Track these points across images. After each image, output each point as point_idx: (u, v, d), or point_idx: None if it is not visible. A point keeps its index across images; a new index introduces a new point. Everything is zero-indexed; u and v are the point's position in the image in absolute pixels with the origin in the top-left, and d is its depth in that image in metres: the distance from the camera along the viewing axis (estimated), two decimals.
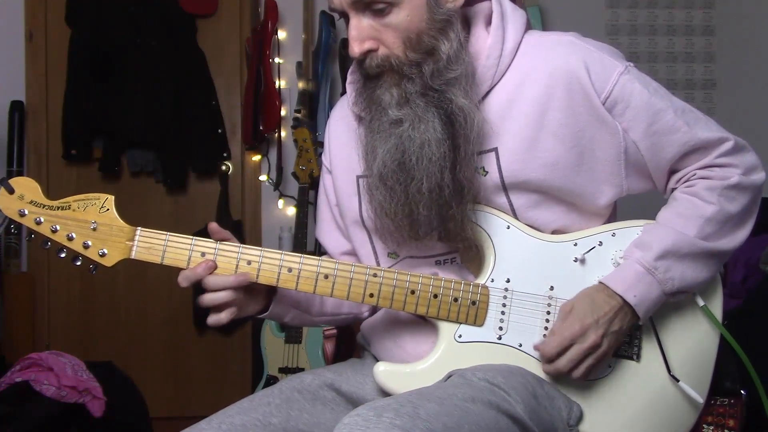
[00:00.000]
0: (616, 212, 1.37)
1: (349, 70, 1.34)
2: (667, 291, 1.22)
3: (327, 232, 1.48)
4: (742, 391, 1.40)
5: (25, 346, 3.17)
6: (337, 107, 1.46)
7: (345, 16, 1.22)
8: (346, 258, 1.44)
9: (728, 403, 1.40)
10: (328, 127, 1.46)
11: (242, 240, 3.52)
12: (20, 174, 3.37)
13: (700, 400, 1.28)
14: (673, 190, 1.33)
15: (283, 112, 3.43)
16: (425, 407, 1.03)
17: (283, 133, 3.45)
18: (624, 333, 1.23)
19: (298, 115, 3.30)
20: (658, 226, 1.27)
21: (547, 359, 1.22)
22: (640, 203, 1.49)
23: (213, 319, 1.24)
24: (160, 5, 3.39)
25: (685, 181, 1.31)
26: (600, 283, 1.24)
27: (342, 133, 1.40)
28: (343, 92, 1.40)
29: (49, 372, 2.18)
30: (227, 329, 3.52)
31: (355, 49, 1.20)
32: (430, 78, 1.19)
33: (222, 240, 1.26)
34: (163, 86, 3.33)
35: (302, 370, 2.73)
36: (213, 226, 1.26)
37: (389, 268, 1.34)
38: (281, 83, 3.45)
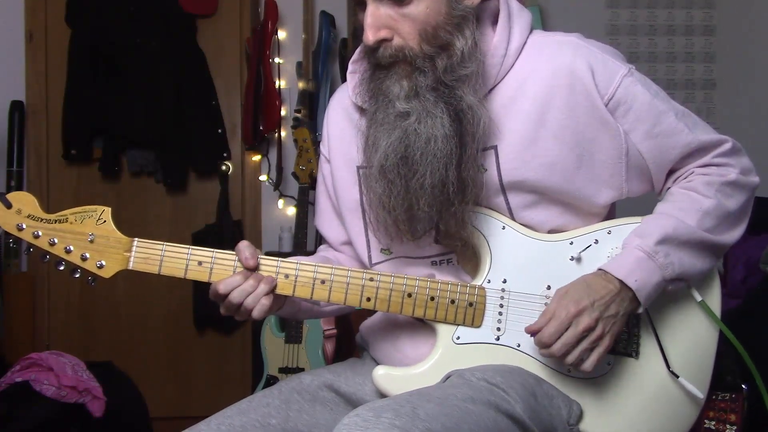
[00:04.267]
0: (614, 213, 1.37)
1: (351, 60, 1.34)
2: (666, 277, 1.22)
3: (327, 221, 1.47)
4: (743, 386, 1.40)
5: (25, 346, 3.17)
6: (336, 96, 1.45)
7: (362, 4, 1.21)
8: (347, 248, 1.44)
9: (729, 398, 1.40)
10: (327, 117, 1.44)
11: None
12: (20, 174, 3.38)
13: (701, 395, 1.28)
14: (669, 188, 1.34)
15: (283, 112, 3.43)
16: (424, 407, 1.03)
17: (283, 133, 3.45)
18: (621, 319, 1.21)
19: (298, 115, 3.30)
20: (657, 215, 1.28)
21: (544, 345, 1.18)
22: (639, 203, 1.49)
23: (257, 311, 1.22)
24: (160, 5, 3.39)
25: (683, 179, 1.32)
26: (599, 269, 1.23)
27: (341, 123, 1.40)
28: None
29: (49, 372, 2.18)
30: (227, 329, 3.52)
31: (370, 36, 1.18)
32: (442, 73, 1.18)
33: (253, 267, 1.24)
34: (163, 86, 3.33)
35: (302, 370, 2.74)
36: (242, 248, 1.24)
37: (381, 264, 1.35)
38: (281, 83, 3.45)
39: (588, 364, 1.18)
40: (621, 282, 1.20)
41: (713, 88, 3.74)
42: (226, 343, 3.54)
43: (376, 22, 1.18)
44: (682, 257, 1.23)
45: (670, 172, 1.33)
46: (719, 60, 3.73)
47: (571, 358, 1.18)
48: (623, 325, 1.23)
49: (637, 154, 1.27)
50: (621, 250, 1.25)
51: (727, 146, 1.30)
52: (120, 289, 3.50)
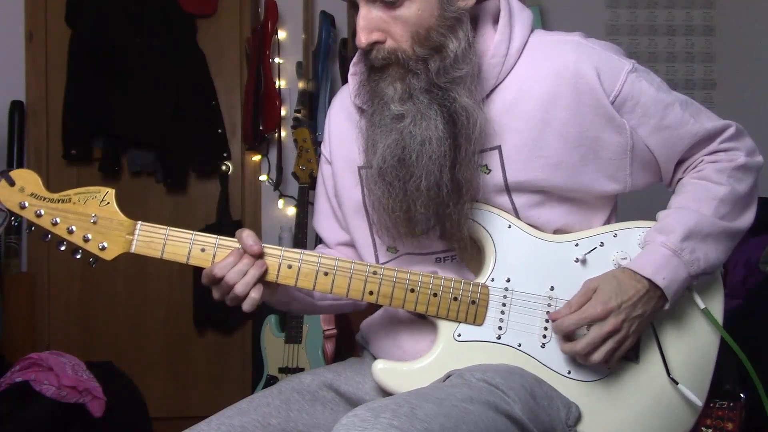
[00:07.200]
0: (617, 207, 1.37)
1: (352, 62, 1.34)
2: (692, 273, 1.23)
3: (324, 222, 1.47)
4: (742, 394, 1.40)
5: (25, 346, 3.16)
6: (337, 98, 1.46)
7: (354, 6, 1.21)
8: (343, 249, 1.45)
9: (727, 406, 1.39)
10: (329, 118, 1.45)
11: None
12: None
13: (699, 403, 1.28)
14: (680, 179, 1.35)
15: (283, 112, 3.43)
16: (423, 408, 1.03)
17: (283, 133, 3.45)
18: (647, 318, 1.23)
19: (298, 115, 3.30)
20: (676, 210, 1.28)
21: (562, 333, 1.21)
22: (640, 202, 1.50)
23: (247, 304, 1.21)
24: (160, 5, 3.39)
25: (693, 169, 1.33)
26: (626, 268, 1.24)
27: (343, 124, 1.40)
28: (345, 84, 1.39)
29: (49, 372, 2.18)
30: (227, 329, 3.52)
31: (362, 39, 1.19)
32: (435, 75, 1.18)
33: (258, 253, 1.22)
34: (163, 86, 3.33)
35: (302, 370, 2.73)
36: (245, 236, 1.22)
37: (388, 263, 1.34)
38: (281, 83, 3.45)
39: (610, 363, 1.22)
40: (649, 281, 1.21)
41: (713, 88, 3.74)
42: (226, 343, 3.54)
43: (368, 24, 1.19)
44: (706, 251, 1.24)
45: (679, 163, 1.33)
46: (719, 60, 3.73)
47: (597, 356, 1.20)
48: (648, 323, 1.24)
49: (643, 149, 1.28)
50: (644, 247, 1.26)
51: (732, 130, 1.32)
52: (120, 289, 3.50)
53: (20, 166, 3.38)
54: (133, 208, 3.90)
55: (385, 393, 1.25)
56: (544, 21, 3.53)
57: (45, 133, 3.45)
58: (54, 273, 3.45)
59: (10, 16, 3.42)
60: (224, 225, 3.44)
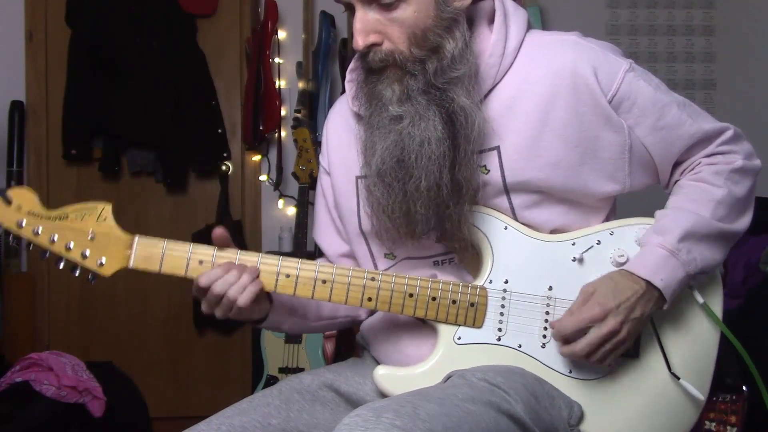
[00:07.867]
0: (615, 208, 1.37)
1: (348, 68, 1.34)
2: (690, 272, 1.23)
3: (324, 234, 1.47)
4: (744, 387, 1.40)
5: (25, 346, 3.16)
6: (335, 107, 1.46)
7: (351, 9, 1.21)
8: (344, 260, 1.44)
9: (730, 400, 1.40)
10: (326, 128, 1.45)
11: (242, 240, 3.53)
12: (20, 174, 3.38)
13: (701, 397, 1.28)
14: (677, 181, 1.34)
15: (283, 112, 3.43)
16: (425, 407, 1.03)
17: (283, 133, 3.45)
18: (646, 319, 1.23)
19: (298, 115, 3.30)
20: (673, 211, 1.28)
21: (562, 338, 1.21)
22: (639, 202, 1.49)
23: (244, 298, 1.20)
24: (160, 5, 3.39)
25: (690, 171, 1.33)
26: (623, 269, 1.24)
27: (340, 133, 1.40)
28: (343, 91, 1.39)
29: (49, 372, 2.18)
30: (227, 329, 3.52)
31: (359, 41, 1.19)
32: (433, 76, 1.18)
33: (222, 246, 1.24)
34: (163, 86, 3.33)
35: (302, 370, 2.73)
36: (218, 232, 1.24)
37: (387, 269, 1.34)
38: (281, 83, 3.45)
39: (606, 362, 1.22)
40: (647, 282, 1.21)
41: (713, 88, 3.74)
42: (226, 343, 3.54)
43: (365, 27, 1.19)
44: (703, 251, 1.24)
45: (676, 164, 1.33)
46: (719, 60, 3.73)
47: (594, 358, 1.20)
48: (645, 325, 1.24)
49: (641, 149, 1.28)
50: (641, 249, 1.26)
51: (730, 133, 1.32)
52: (120, 289, 3.50)
53: (20, 166, 3.38)
54: (133, 209, 3.92)
55: (385, 396, 1.24)
56: (544, 21, 3.53)
57: (45, 133, 3.45)
58: (54, 273, 3.45)
59: (10, 16, 3.42)
60: (224, 225, 3.43)
